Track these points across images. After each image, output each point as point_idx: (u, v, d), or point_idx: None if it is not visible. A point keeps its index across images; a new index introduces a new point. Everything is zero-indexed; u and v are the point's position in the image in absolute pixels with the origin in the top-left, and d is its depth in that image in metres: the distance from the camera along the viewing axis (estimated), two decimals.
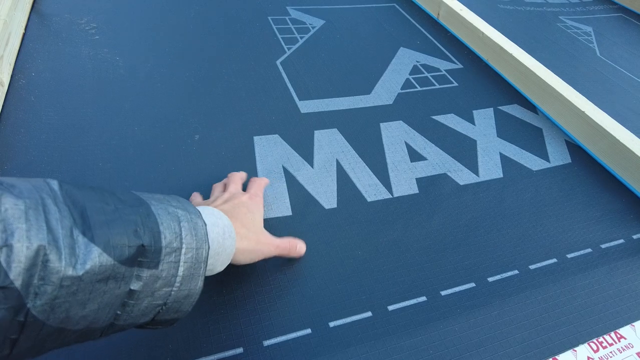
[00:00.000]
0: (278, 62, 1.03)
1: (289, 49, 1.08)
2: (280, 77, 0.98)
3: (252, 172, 0.74)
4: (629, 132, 0.88)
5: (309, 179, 0.75)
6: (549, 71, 1.03)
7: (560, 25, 1.52)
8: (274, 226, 0.66)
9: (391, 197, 0.74)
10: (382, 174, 0.79)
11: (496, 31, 1.16)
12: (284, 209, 0.69)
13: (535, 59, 1.07)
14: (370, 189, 0.75)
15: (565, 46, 1.39)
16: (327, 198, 0.72)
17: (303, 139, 0.83)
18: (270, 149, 0.79)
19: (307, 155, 0.80)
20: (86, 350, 0.48)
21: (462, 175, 0.81)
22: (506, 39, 1.13)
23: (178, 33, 1.07)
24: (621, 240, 0.74)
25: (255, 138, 0.81)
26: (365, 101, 0.96)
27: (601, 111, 0.92)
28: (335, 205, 0.71)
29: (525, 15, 1.56)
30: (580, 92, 0.98)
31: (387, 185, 0.77)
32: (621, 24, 1.62)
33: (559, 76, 1.02)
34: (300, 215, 0.68)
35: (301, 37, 1.13)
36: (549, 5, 1.68)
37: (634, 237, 0.75)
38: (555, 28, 1.49)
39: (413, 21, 1.30)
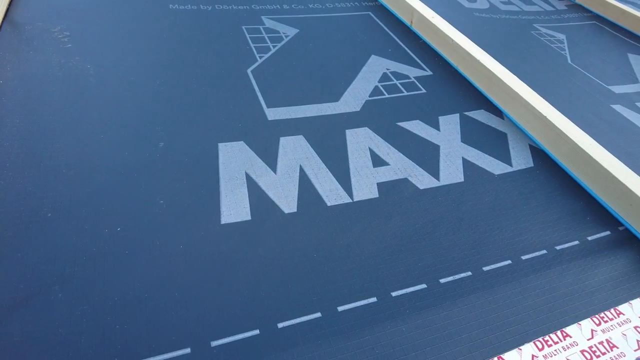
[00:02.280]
0: (249, 70, 1.04)
1: (260, 57, 1.10)
2: (250, 85, 0.99)
3: (214, 179, 0.75)
4: (588, 137, 0.90)
5: (271, 185, 0.76)
6: (514, 76, 1.05)
7: (534, 33, 1.55)
8: (232, 231, 0.67)
9: (351, 201, 0.76)
10: (344, 179, 0.80)
11: (466, 38, 1.18)
12: (243, 214, 0.70)
13: (507, 65, 1.10)
14: (331, 193, 0.77)
15: (538, 53, 1.42)
16: (288, 203, 0.74)
17: (268, 145, 0.84)
18: (235, 156, 0.81)
19: (271, 161, 0.81)
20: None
21: (423, 180, 0.83)
22: (475, 45, 1.15)
23: (151, 42, 1.08)
24: (576, 242, 0.76)
25: (220, 145, 0.83)
26: (333, 108, 0.97)
27: (563, 116, 0.95)
28: (295, 210, 0.72)
29: (501, 22, 1.59)
30: (547, 98, 1.00)
31: (348, 189, 0.78)
32: (594, 32, 1.66)
33: (527, 82, 1.04)
34: (259, 220, 0.70)
35: (274, 46, 1.16)
36: (524, 13, 1.71)
37: (589, 238, 0.77)
38: (529, 36, 1.53)
39: (387, 29, 1.32)
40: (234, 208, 0.71)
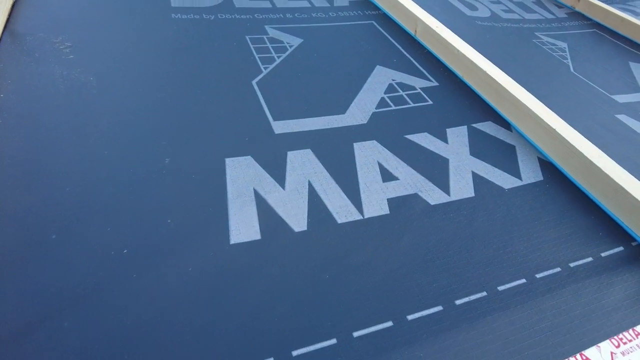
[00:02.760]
0: (254, 82, 1.03)
1: (265, 68, 1.09)
2: (256, 97, 0.98)
3: (222, 196, 0.74)
4: (596, 149, 0.89)
5: (280, 201, 0.75)
6: (522, 88, 1.04)
7: (536, 41, 1.55)
8: (241, 251, 0.66)
9: (362, 218, 0.75)
10: (353, 194, 0.79)
11: (471, 48, 1.18)
12: (252, 233, 0.69)
13: (511, 75, 1.09)
14: (342, 210, 0.75)
15: (540, 62, 1.42)
16: (298, 221, 0.72)
17: (276, 160, 0.83)
18: (242, 171, 0.79)
19: (279, 176, 0.80)
20: None
21: (434, 195, 0.81)
22: (481, 55, 1.15)
23: (154, 53, 1.07)
24: (590, 259, 0.75)
25: (227, 160, 0.81)
26: (339, 121, 0.96)
27: (572, 128, 0.94)
28: (305, 228, 0.71)
29: (502, 31, 1.59)
30: (553, 109, 0.99)
31: (359, 206, 0.77)
32: (595, 40, 1.66)
33: (532, 93, 1.04)
34: (269, 239, 0.68)
35: (278, 57, 1.14)
36: (525, 21, 1.71)
37: (603, 254, 0.76)
38: (531, 44, 1.52)
39: (391, 39, 1.31)
40: (244, 227, 0.69)
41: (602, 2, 1.85)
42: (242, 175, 0.79)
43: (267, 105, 0.97)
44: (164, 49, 1.09)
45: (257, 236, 0.68)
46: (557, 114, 0.98)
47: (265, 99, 0.98)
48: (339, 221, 0.73)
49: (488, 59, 1.14)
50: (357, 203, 0.77)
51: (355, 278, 0.64)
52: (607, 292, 0.70)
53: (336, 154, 0.87)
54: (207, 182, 0.76)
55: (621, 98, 1.30)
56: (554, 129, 0.93)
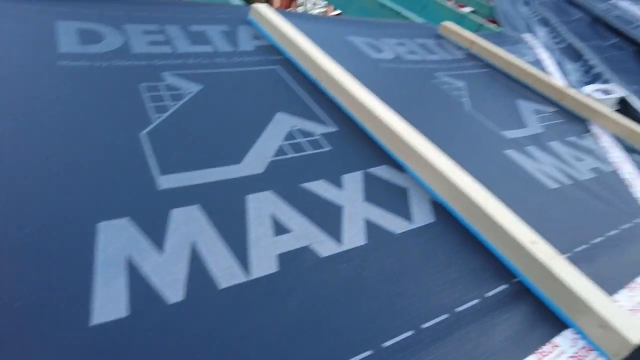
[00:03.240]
0: (143, 133, 0.97)
1: (158, 118, 1.04)
2: (141, 150, 0.92)
3: (87, 268, 0.66)
4: (483, 189, 0.94)
5: (155, 268, 0.69)
6: (415, 131, 1.09)
7: (436, 82, 1.65)
8: (103, 333, 0.58)
9: (247, 280, 0.71)
10: (241, 253, 0.75)
11: (370, 93, 1.22)
12: (118, 309, 0.62)
13: (409, 115, 1.14)
14: (225, 272, 0.71)
15: (439, 102, 1.51)
16: (174, 290, 0.66)
17: (157, 220, 0.77)
18: (116, 236, 0.72)
19: (159, 239, 0.74)
20: None
21: (326, 246, 0.80)
22: (378, 100, 1.19)
23: (33, 106, 0.98)
24: (475, 301, 0.77)
25: (100, 224, 0.74)
26: (234, 172, 0.93)
27: (460, 169, 0.99)
28: (181, 298, 0.66)
29: (405, 72, 1.68)
30: (447, 148, 1.04)
31: (245, 265, 0.73)
32: (489, 79, 1.81)
33: (429, 132, 1.08)
34: (137, 316, 0.62)
35: (174, 105, 1.10)
36: (427, 62, 1.83)
37: (487, 295, 0.78)
38: (431, 85, 1.62)
39: (294, 84, 1.33)
40: (109, 303, 0.62)
41: (494, 44, 2.04)
42: (115, 240, 0.72)
43: (156, 157, 0.91)
44: (44, 102, 1.00)
45: (123, 313, 0.62)
46: (452, 154, 1.03)
47: (153, 151, 0.93)
48: (222, 286, 0.69)
49: (389, 100, 1.19)
50: (244, 262, 0.74)
51: (233, 354, 0.60)
52: (491, 335, 0.71)
53: (227, 209, 0.83)
54: (74, 252, 0.69)
55: (509, 134, 1.41)
56: (442, 172, 0.97)
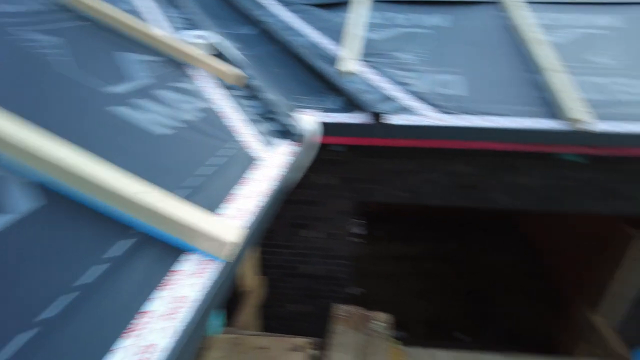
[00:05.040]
0: None
1: None
2: None
3: None
4: (84, 156, 0.94)
5: None
6: None
7: (13, 39, 1.39)
8: None
9: None
10: None
11: None
12: None
13: None
14: None
15: (24, 66, 1.30)
16: None
17: None
18: None
19: None
20: None
21: None
22: None
23: None
24: (97, 266, 0.80)
25: None
26: None
27: (55, 141, 0.93)
28: None
29: None
30: (41, 120, 0.96)
31: None
32: (86, 34, 1.69)
33: (13, 108, 0.95)
34: None
35: None
36: (5, 14, 1.50)
37: (105, 256, 0.83)
38: (7, 43, 1.35)
39: None
40: None
41: None
42: None
43: None
44: None
45: None
46: (47, 124, 0.95)
47: None
48: None
49: None
50: None
51: None
52: (120, 289, 0.78)
53: None
54: None
55: (114, 89, 1.40)
56: (36, 150, 0.89)
